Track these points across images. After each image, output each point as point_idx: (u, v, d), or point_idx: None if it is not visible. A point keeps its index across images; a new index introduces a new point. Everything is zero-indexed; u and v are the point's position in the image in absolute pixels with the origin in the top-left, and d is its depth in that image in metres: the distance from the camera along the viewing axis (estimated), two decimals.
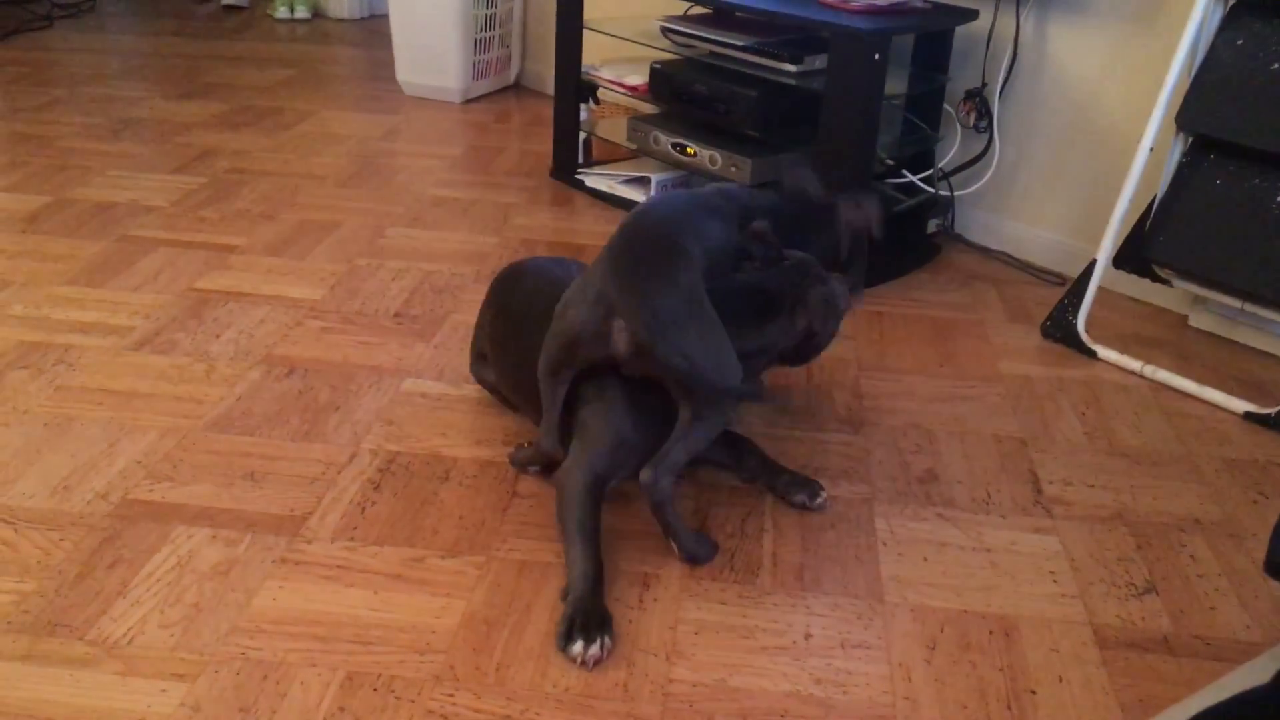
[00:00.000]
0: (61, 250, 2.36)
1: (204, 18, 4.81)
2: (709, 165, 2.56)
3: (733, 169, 2.51)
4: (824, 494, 1.63)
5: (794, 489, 1.64)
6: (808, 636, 1.38)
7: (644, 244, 1.47)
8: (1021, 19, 2.48)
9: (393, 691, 1.26)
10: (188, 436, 1.72)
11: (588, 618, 1.35)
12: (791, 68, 2.39)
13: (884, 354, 2.12)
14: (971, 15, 2.45)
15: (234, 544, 1.48)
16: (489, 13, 3.66)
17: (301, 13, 4.82)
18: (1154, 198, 2.12)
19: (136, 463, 1.64)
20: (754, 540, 1.56)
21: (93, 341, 1.98)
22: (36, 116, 3.26)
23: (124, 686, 1.24)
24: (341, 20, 4.86)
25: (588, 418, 1.54)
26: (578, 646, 1.32)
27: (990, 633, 1.41)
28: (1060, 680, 1.33)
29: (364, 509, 1.57)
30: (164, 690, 1.24)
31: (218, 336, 2.02)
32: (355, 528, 1.53)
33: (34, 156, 2.91)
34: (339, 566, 1.45)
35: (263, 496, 1.58)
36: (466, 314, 2.17)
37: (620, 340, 1.44)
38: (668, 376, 1.46)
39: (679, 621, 1.39)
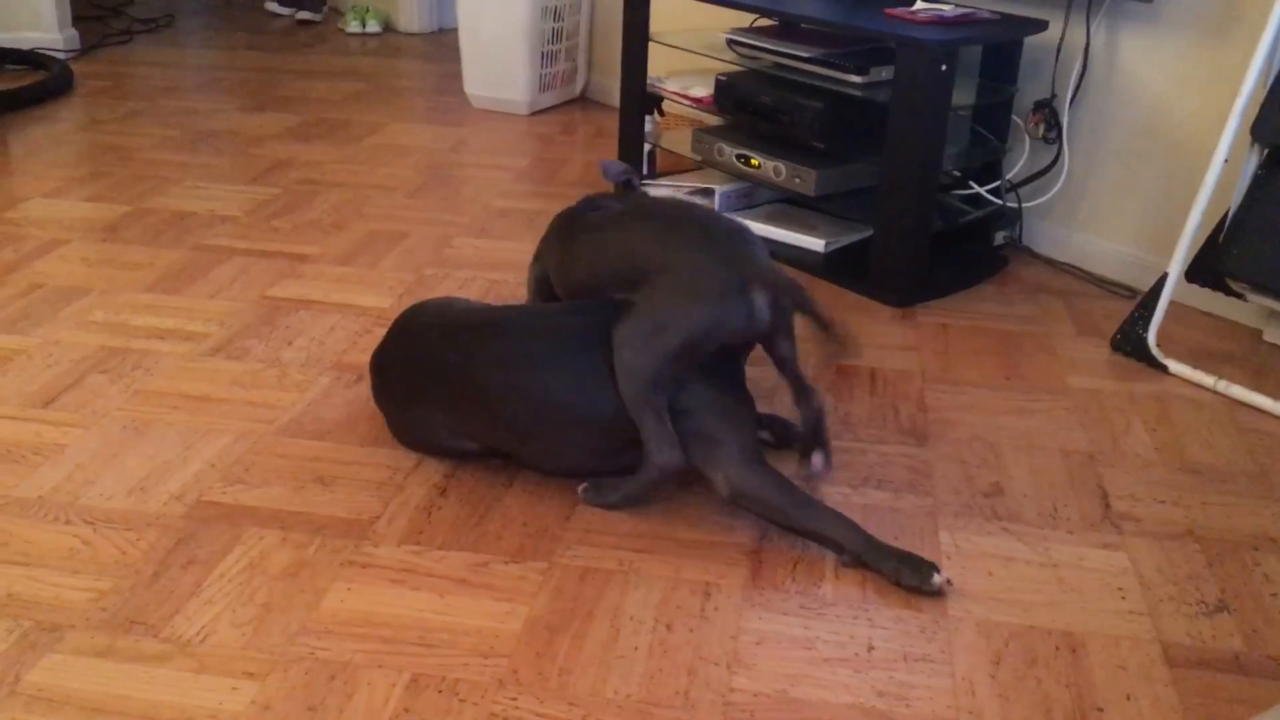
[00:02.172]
0: (140, 258, 2.42)
1: (278, 32, 4.92)
2: (773, 176, 2.57)
3: (797, 180, 2.51)
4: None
5: (905, 572, 1.49)
6: (870, 649, 1.38)
7: (721, 227, 1.60)
8: (1092, 29, 2.45)
9: (457, 694, 1.28)
10: (260, 441, 1.76)
11: (907, 556, 1.48)
12: (857, 79, 2.39)
13: (949, 366, 2.10)
14: (1041, 26, 2.43)
15: (304, 546, 1.51)
16: (556, 26, 3.70)
17: (372, 27, 4.90)
18: (1228, 210, 2.08)
19: (210, 465, 1.68)
20: (816, 551, 1.55)
21: (169, 347, 2.04)
22: (117, 128, 3.35)
23: (197, 683, 1.27)
24: (411, 34, 4.94)
25: (711, 423, 1.56)
26: (938, 577, 1.46)
27: (1057, 649, 1.39)
28: (1128, 698, 1.31)
29: (430, 514, 1.60)
30: (235, 688, 1.27)
31: (289, 343, 2.06)
32: (421, 532, 1.56)
33: (115, 167, 3.00)
34: (405, 570, 1.48)
35: (332, 500, 1.62)
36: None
37: (763, 310, 1.55)
38: (783, 332, 1.60)
39: (740, 631, 1.40)
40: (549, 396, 1.57)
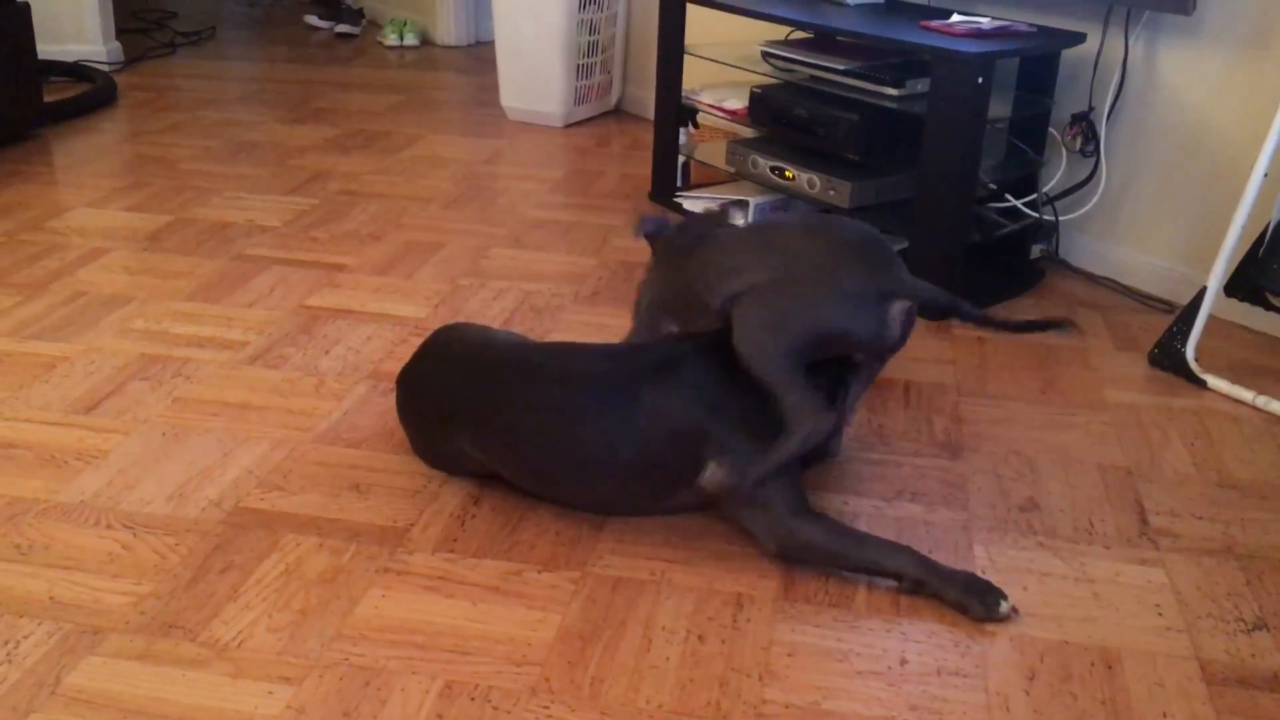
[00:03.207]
0: (180, 268, 2.46)
1: (317, 45, 4.97)
2: (807, 189, 2.57)
3: (831, 193, 2.51)
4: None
5: (972, 602, 1.46)
6: (903, 662, 1.37)
7: (864, 238, 1.58)
8: (1131, 42, 2.43)
9: (490, 701, 1.28)
10: (297, 448, 1.78)
11: (973, 582, 1.46)
12: (893, 91, 2.39)
13: (985, 380, 2.09)
14: (1079, 38, 2.42)
15: (339, 553, 1.53)
16: (592, 39, 3.72)
17: (410, 40, 4.95)
18: (1268, 224, 2.06)
19: (248, 472, 1.70)
20: None
21: (209, 355, 2.06)
22: (159, 139, 3.40)
23: (233, 687, 1.29)
24: (448, 47, 4.98)
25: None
26: (1005, 605, 1.44)
27: (1092, 665, 1.38)
28: (1164, 716, 1.30)
29: (464, 522, 1.61)
30: (271, 692, 1.28)
31: (327, 352, 2.09)
32: (455, 540, 1.57)
33: (156, 178, 3.04)
34: (439, 577, 1.49)
35: (367, 507, 1.63)
36: (565, 333, 2.20)
37: (894, 329, 1.55)
38: (888, 356, 1.66)
39: (773, 643, 1.39)
40: (575, 447, 1.56)
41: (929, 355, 2.18)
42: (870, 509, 1.68)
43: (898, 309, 1.54)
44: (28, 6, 3.27)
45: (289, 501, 1.64)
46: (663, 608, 1.45)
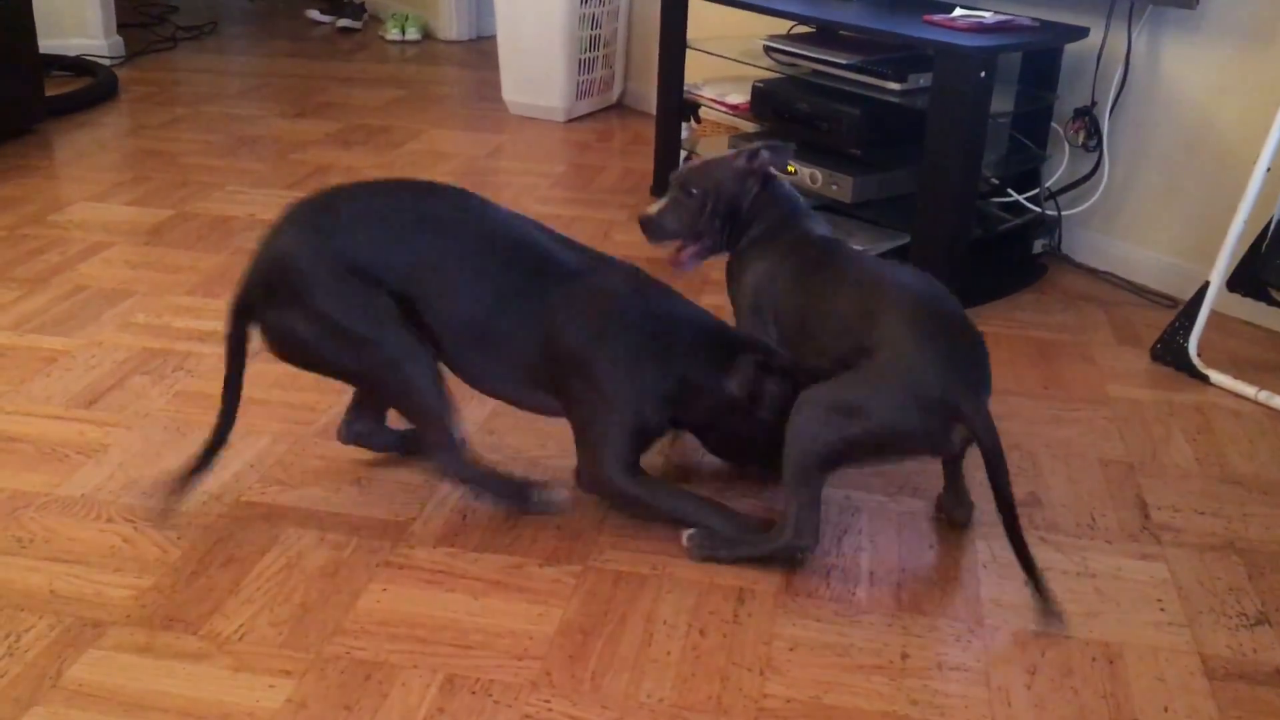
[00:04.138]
0: (182, 262, 2.45)
1: (318, 39, 4.97)
2: (809, 183, 2.56)
3: (834, 187, 2.50)
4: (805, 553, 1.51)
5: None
6: (904, 656, 1.37)
7: (968, 332, 1.49)
8: (1134, 36, 2.43)
9: (490, 695, 1.28)
10: (299, 442, 1.77)
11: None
12: (895, 86, 2.38)
13: None
14: (1081, 33, 2.41)
15: (341, 547, 1.53)
16: (594, 34, 3.71)
17: (412, 34, 4.94)
18: (1270, 219, 2.06)
19: (250, 466, 1.70)
20: (850, 558, 1.55)
21: (210, 349, 2.06)
22: (160, 134, 3.40)
23: (234, 681, 1.29)
24: (450, 42, 4.97)
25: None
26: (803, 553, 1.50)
27: (1094, 659, 1.38)
28: (1166, 710, 1.30)
29: (465, 516, 1.61)
30: (272, 686, 1.28)
31: None
32: (456, 534, 1.56)
33: (158, 172, 3.04)
34: (440, 571, 1.49)
35: (369, 502, 1.63)
36: None
37: (954, 445, 1.49)
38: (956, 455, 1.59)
39: (774, 637, 1.39)
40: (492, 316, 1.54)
41: None
42: (873, 504, 1.68)
43: (959, 430, 1.45)
44: (29, 1, 3.26)
45: (290, 495, 1.64)
46: (664, 602, 1.45)
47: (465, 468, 1.57)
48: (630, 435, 1.55)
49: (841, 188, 2.49)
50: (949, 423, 1.44)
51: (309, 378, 1.96)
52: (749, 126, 2.87)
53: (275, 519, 1.58)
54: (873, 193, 2.50)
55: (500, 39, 3.77)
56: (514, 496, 1.60)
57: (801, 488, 1.46)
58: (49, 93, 3.42)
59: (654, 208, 1.80)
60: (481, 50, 4.80)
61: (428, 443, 1.55)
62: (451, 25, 4.99)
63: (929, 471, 1.76)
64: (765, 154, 1.76)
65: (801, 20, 2.67)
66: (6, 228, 2.60)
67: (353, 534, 1.56)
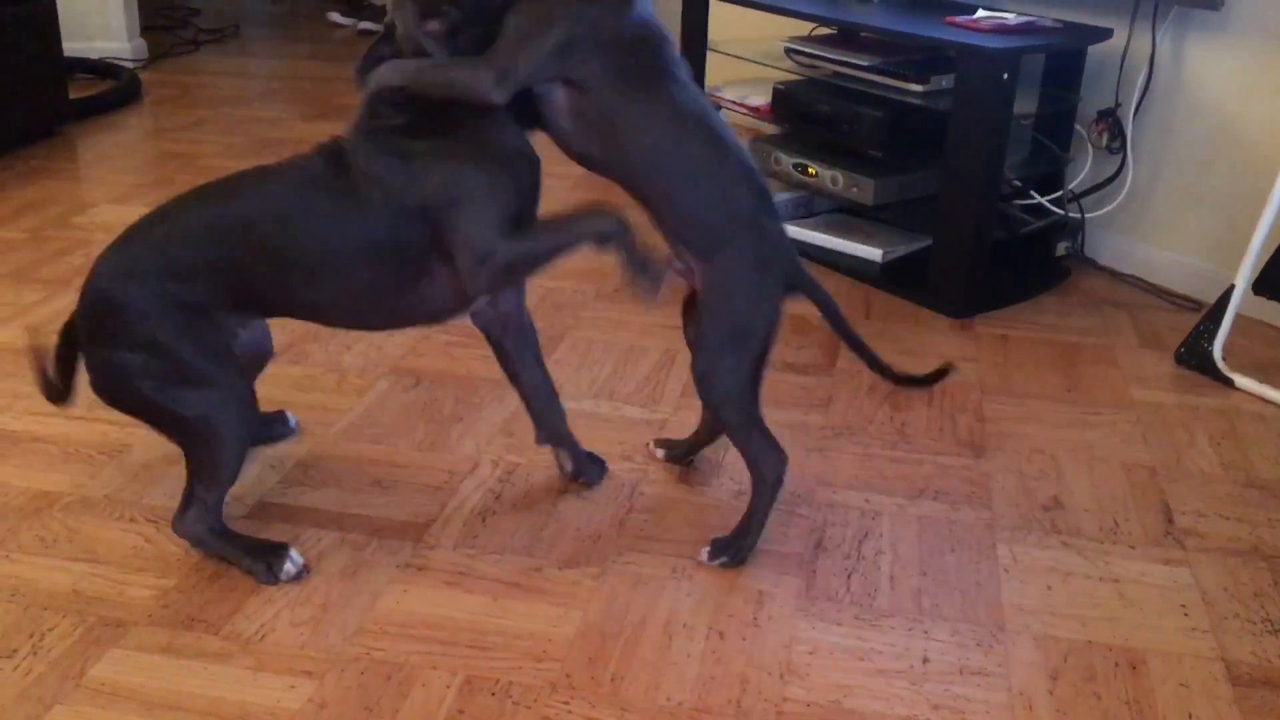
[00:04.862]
0: None
1: (339, 42, 4.99)
2: (830, 186, 2.55)
3: (855, 189, 2.49)
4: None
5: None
6: (925, 661, 1.36)
7: (767, 195, 1.48)
8: (1158, 37, 2.41)
9: (510, 697, 1.28)
10: (320, 444, 1.78)
11: None
12: (917, 87, 2.37)
13: (1008, 378, 2.08)
14: (1105, 34, 2.40)
15: (361, 548, 1.53)
16: None
17: None
18: None
19: (271, 467, 1.71)
20: (871, 562, 1.54)
21: None
22: (183, 136, 3.42)
23: (255, 681, 1.29)
24: None
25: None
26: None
27: (1116, 665, 1.36)
28: (1189, 717, 1.29)
29: (485, 518, 1.61)
30: (293, 686, 1.29)
31: (349, 348, 2.09)
32: (476, 536, 1.57)
33: (180, 174, 3.06)
34: (460, 573, 1.49)
35: (389, 503, 1.63)
36: (586, 330, 2.20)
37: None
38: None
39: (794, 640, 1.39)
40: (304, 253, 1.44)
41: (952, 353, 2.17)
42: (893, 507, 1.67)
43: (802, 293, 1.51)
44: (53, 4, 3.29)
45: (311, 496, 1.64)
46: (683, 604, 1.44)
47: (210, 535, 1.47)
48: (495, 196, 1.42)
49: (862, 190, 2.48)
50: (788, 295, 1.48)
51: (328, 380, 1.97)
52: (770, 128, 2.86)
53: (296, 520, 1.59)
54: (894, 195, 2.49)
55: None
56: (260, 564, 1.47)
57: (749, 429, 1.49)
58: (72, 95, 3.44)
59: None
60: None
61: (194, 496, 1.46)
62: None
63: (952, 476, 1.75)
64: None
65: (822, 22, 2.66)
66: (30, 230, 2.62)
67: (373, 535, 1.56)
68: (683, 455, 1.75)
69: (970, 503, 1.68)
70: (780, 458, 1.51)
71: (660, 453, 1.76)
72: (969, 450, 1.83)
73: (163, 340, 1.39)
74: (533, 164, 1.49)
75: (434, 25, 1.43)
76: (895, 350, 2.18)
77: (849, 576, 1.51)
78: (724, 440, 1.79)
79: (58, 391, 1.51)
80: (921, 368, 2.10)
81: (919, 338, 2.24)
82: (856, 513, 1.65)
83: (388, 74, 1.45)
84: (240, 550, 1.47)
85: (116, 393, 1.44)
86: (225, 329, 1.46)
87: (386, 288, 1.45)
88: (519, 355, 1.61)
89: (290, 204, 1.45)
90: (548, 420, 1.64)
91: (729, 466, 1.75)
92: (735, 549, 1.53)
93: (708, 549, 1.53)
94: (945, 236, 2.34)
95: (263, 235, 1.43)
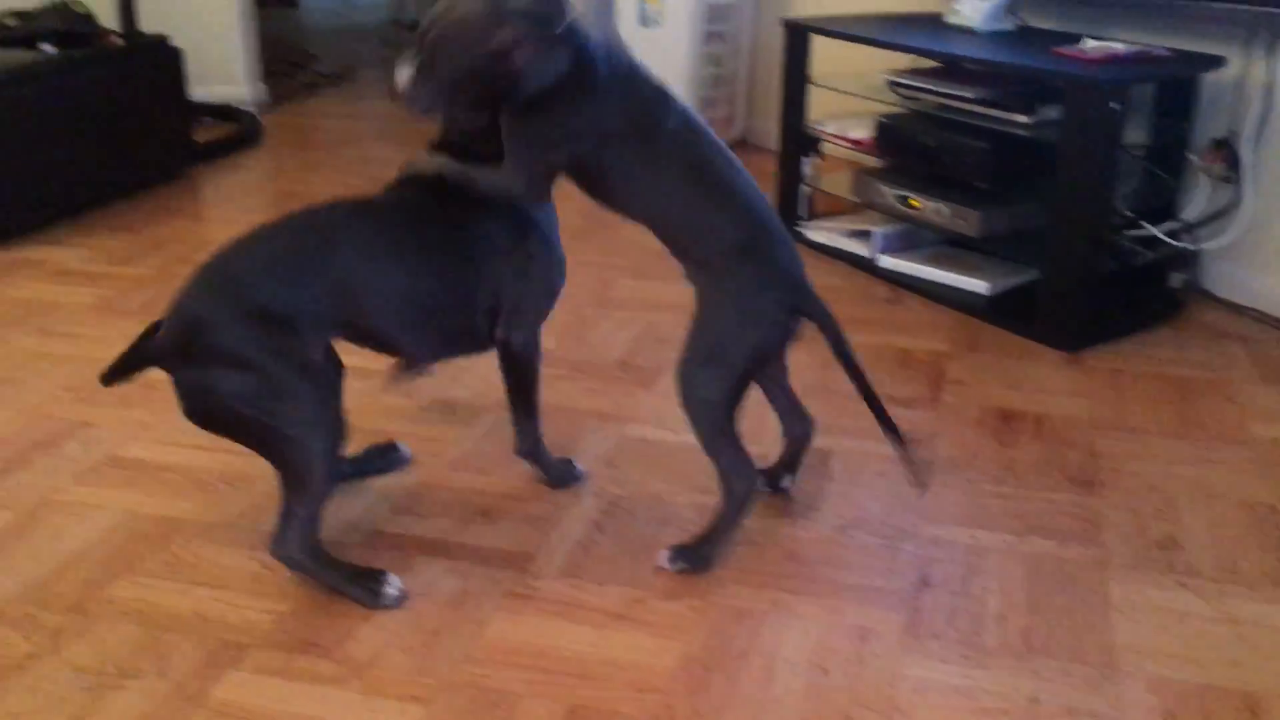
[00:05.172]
0: None
1: None
2: (934, 218, 2.54)
3: (960, 221, 2.47)
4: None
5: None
6: (1034, 701, 1.34)
7: (779, 233, 1.57)
8: (1274, 64, 2.35)
9: None
10: (429, 474, 1.83)
11: None
12: (1024, 119, 2.35)
13: (1121, 412, 2.03)
14: (1218, 62, 2.34)
15: (468, 576, 1.57)
16: (715, 72, 3.75)
17: None
18: None
19: (383, 497, 1.76)
20: (978, 599, 1.52)
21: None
22: (300, 176, 3.55)
23: (367, 705, 1.33)
24: None
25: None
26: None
27: (1235, 710, 1.32)
28: None
29: (588, 549, 1.63)
30: (403, 711, 1.32)
31: (456, 380, 2.14)
32: (580, 567, 1.59)
33: None
34: (564, 603, 1.51)
35: (495, 533, 1.67)
36: None
37: (794, 332, 1.58)
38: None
39: (898, 678, 1.37)
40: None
41: (1060, 387, 2.13)
42: (1000, 544, 1.64)
43: (798, 322, 1.57)
44: (181, 51, 3.45)
45: (421, 525, 1.68)
46: (785, 639, 1.44)
47: (303, 552, 1.51)
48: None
49: (968, 222, 2.46)
50: (793, 319, 1.55)
51: (438, 412, 2.02)
52: (872, 161, 2.86)
53: (406, 548, 1.63)
54: (1000, 227, 2.47)
55: None
56: (358, 589, 1.51)
57: (720, 442, 1.55)
58: (199, 139, 3.60)
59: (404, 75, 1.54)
60: None
61: (289, 514, 1.50)
62: None
63: (1062, 513, 1.72)
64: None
65: (928, 55, 2.65)
66: (156, 267, 2.74)
67: (480, 564, 1.59)
68: (776, 481, 1.76)
69: (1081, 540, 1.65)
70: (750, 473, 1.57)
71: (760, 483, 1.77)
72: (1080, 487, 1.79)
73: (252, 357, 1.45)
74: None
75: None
76: (1003, 384, 2.15)
77: (954, 613, 1.49)
78: (821, 475, 1.78)
79: (114, 376, 1.55)
80: (1031, 403, 2.07)
81: (1028, 372, 2.20)
82: (962, 549, 1.63)
83: (426, 165, 1.64)
84: (340, 576, 1.52)
85: (209, 412, 1.49)
86: (310, 345, 1.52)
87: (445, 321, 1.62)
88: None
89: (374, 233, 1.58)
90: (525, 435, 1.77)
91: (829, 501, 1.75)
92: (696, 556, 1.58)
93: (667, 553, 1.58)
94: (1054, 269, 2.30)
95: (346, 261, 1.54)
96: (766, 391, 1.72)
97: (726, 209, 1.54)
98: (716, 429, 1.55)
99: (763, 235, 1.54)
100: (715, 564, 1.59)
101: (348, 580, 1.51)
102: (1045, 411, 2.04)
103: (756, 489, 1.61)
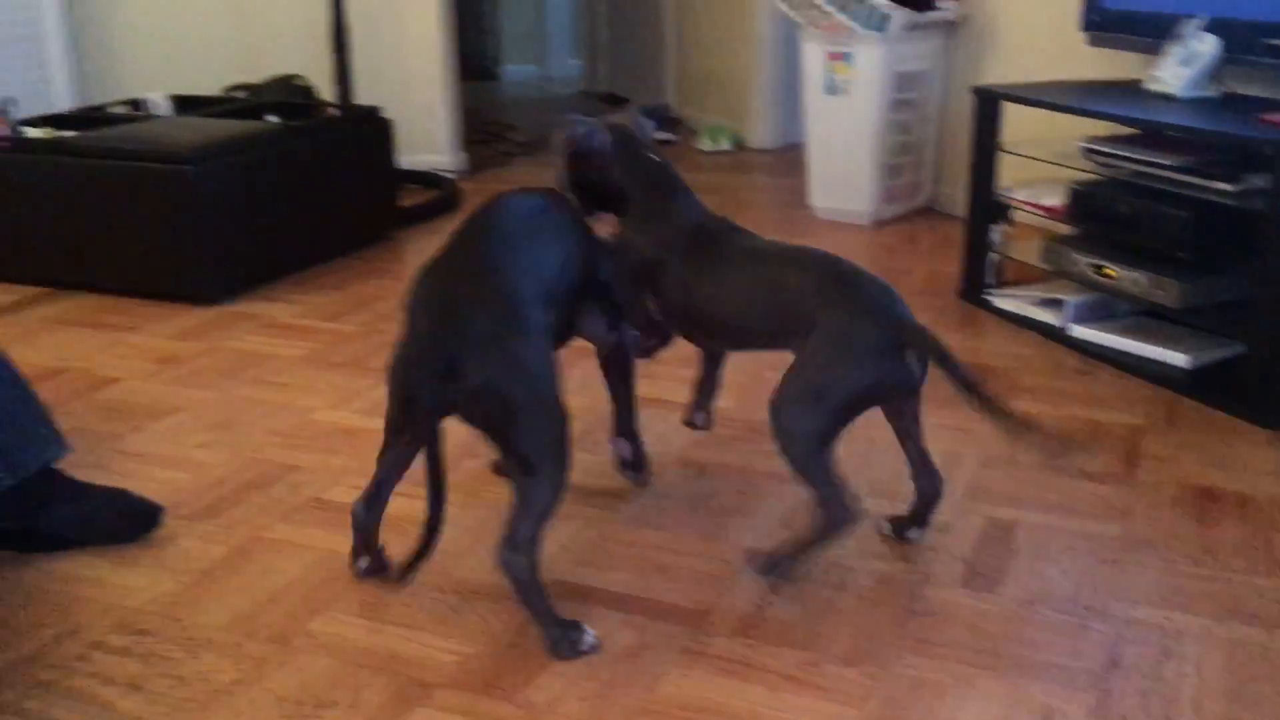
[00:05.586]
0: None
1: None
2: (1131, 288, 2.46)
3: (1158, 292, 2.39)
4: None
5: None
6: None
7: (871, 283, 1.65)
8: None
9: None
10: (608, 527, 1.87)
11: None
12: (1228, 186, 2.26)
13: None
14: None
15: (644, 630, 1.59)
16: (903, 140, 3.75)
17: (724, 145, 5.15)
18: None
19: (563, 548, 1.81)
20: (1172, 684, 1.45)
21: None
22: None
23: None
24: (761, 150, 5.15)
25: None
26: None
27: None
28: None
29: (763, 609, 1.63)
30: None
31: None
32: (754, 626, 1.59)
33: None
34: (738, 662, 1.52)
35: (672, 588, 1.69)
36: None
37: (916, 367, 1.61)
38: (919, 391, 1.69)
39: None
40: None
41: (1266, 467, 2.02)
42: (1198, 628, 1.56)
43: (913, 353, 1.59)
44: (391, 122, 3.68)
45: (599, 578, 1.72)
46: (964, 713, 1.41)
47: (532, 569, 1.52)
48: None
49: (1167, 292, 2.37)
50: (901, 354, 1.58)
51: (606, 467, 2.07)
52: (1063, 229, 2.79)
53: (584, 599, 1.67)
54: (1202, 298, 2.37)
55: (810, 146, 3.87)
56: (558, 630, 1.54)
57: (816, 473, 1.60)
58: (403, 204, 3.82)
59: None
60: (790, 158, 4.92)
61: (530, 530, 1.50)
62: (762, 135, 5.17)
63: (1266, 598, 1.62)
64: (582, 131, 1.84)
65: (1127, 123, 2.59)
66: (364, 324, 2.91)
67: (655, 619, 1.62)
68: (902, 530, 1.79)
69: None
70: (847, 507, 1.61)
71: (887, 528, 1.81)
72: None
73: (541, 370, 1.53)
74: None
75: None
76: (1204, 462, 2.05)
77: (1146, 697, 1.43)
78: (1005, 547, 1.74)
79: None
80: (1234, 481, 1.97)
81: (1230, 449, 2.10)
82: (1157, 631, 1.56)
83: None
84: (547, 608, 1.55)
85: (502, 405, 1.48)
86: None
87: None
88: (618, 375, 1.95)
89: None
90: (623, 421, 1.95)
91: (1014, 574, 1.70)
92: (774, 566, 1.68)
93: (751, 555, 1.71)
94: (1261, 342, 2.19)
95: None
96: (902, 444, 1.74)
97: (801, 275, 1.65)
98: (810, 460, 1.60)
99: (841, 278, 1.64)
100: (793, 578, 1.67)
101: (551, 616, 1.55)
102: (1249, 491, 1.94)
103: (853, 522, 1.63)
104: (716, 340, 1.86)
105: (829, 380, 1.58)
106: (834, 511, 1.61)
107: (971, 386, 1.55)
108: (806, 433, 1.59)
